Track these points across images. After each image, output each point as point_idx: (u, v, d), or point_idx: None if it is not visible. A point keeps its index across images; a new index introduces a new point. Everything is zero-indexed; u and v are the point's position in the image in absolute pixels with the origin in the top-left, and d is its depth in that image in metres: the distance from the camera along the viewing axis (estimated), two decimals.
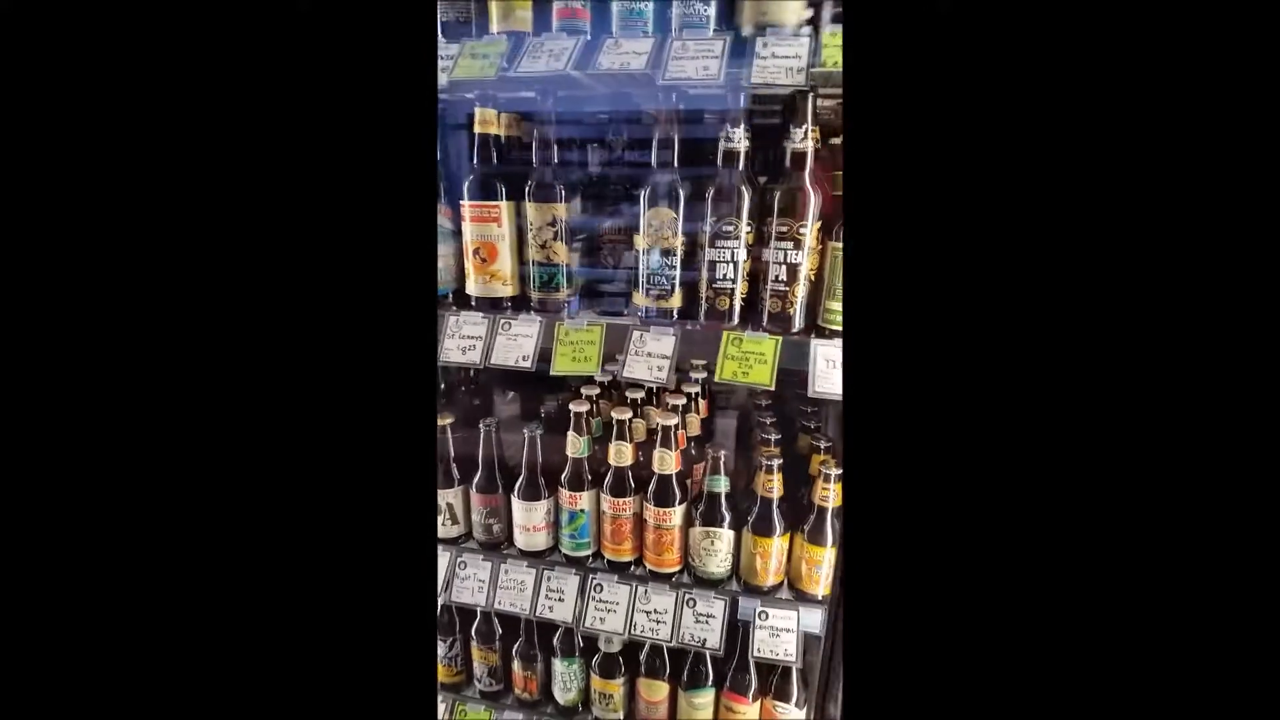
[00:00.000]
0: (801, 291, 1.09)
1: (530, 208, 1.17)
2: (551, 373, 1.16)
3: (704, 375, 1.38)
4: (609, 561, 1.31)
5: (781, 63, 0.93)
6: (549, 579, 1.30)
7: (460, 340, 1.19)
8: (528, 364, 1.15)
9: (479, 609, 1.36)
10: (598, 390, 1.38)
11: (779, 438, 1.29)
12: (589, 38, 1.07)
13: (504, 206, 1.18)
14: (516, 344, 1.16)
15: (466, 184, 1.17)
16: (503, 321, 1.18)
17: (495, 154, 1.18)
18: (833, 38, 0.94)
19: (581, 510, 1.29)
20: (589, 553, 1.33)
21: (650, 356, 1.11)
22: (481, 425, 1.32)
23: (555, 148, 1.16)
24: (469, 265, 1.21)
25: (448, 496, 1.35)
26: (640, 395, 1.31)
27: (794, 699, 1.31)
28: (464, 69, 1.04)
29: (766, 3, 0.99)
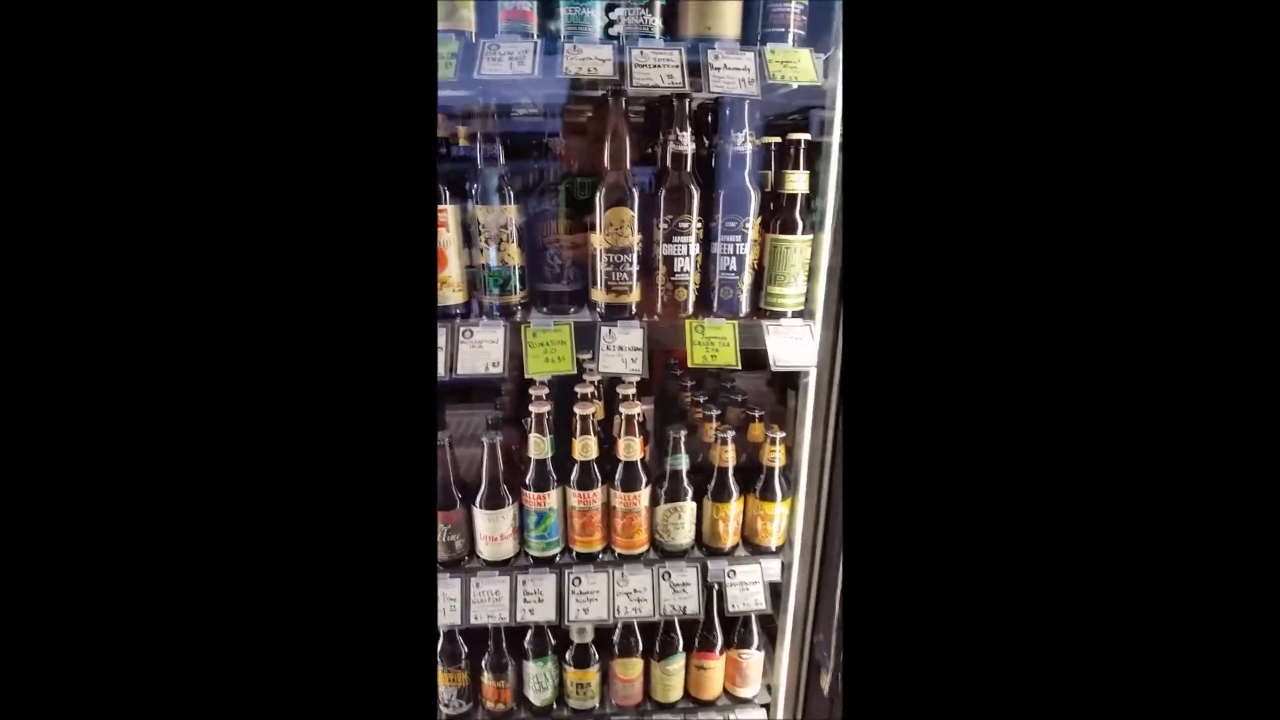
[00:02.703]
0: (748, 279, 1.22)
1: (480, 210, 1.15)
2: (526, 375, 1.16)
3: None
4: (579, 554, 1.34)
5: (734, 74, 1.04)
6: (524, 583, 1.30)
7: None
8: (499, 370, 1.13)
9: (455, 629, 1.31)
10: (547, 390, 1.38)
11: (720, 413, 1.43)
12: (536, 40, 1.07)
13: (450, 210, 1.14)
14: (483, 351, 1.14)
15: None
16: (463, 329, 1.15)
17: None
18: (772, 54, 1.06)
19: (550, 510, 1.30)
20: (558, 550, 1.34)
21: (623, 350, 1.16)
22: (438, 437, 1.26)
23: (502, 149, 1.15)
24: None
25: None
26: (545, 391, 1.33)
27: (754, 644, 1.46)
28: None
29: (710, 16, 1.09)
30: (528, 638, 1.40)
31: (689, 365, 1.18)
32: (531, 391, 1.36)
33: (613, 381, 1.41)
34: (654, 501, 1.33)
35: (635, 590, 1.32)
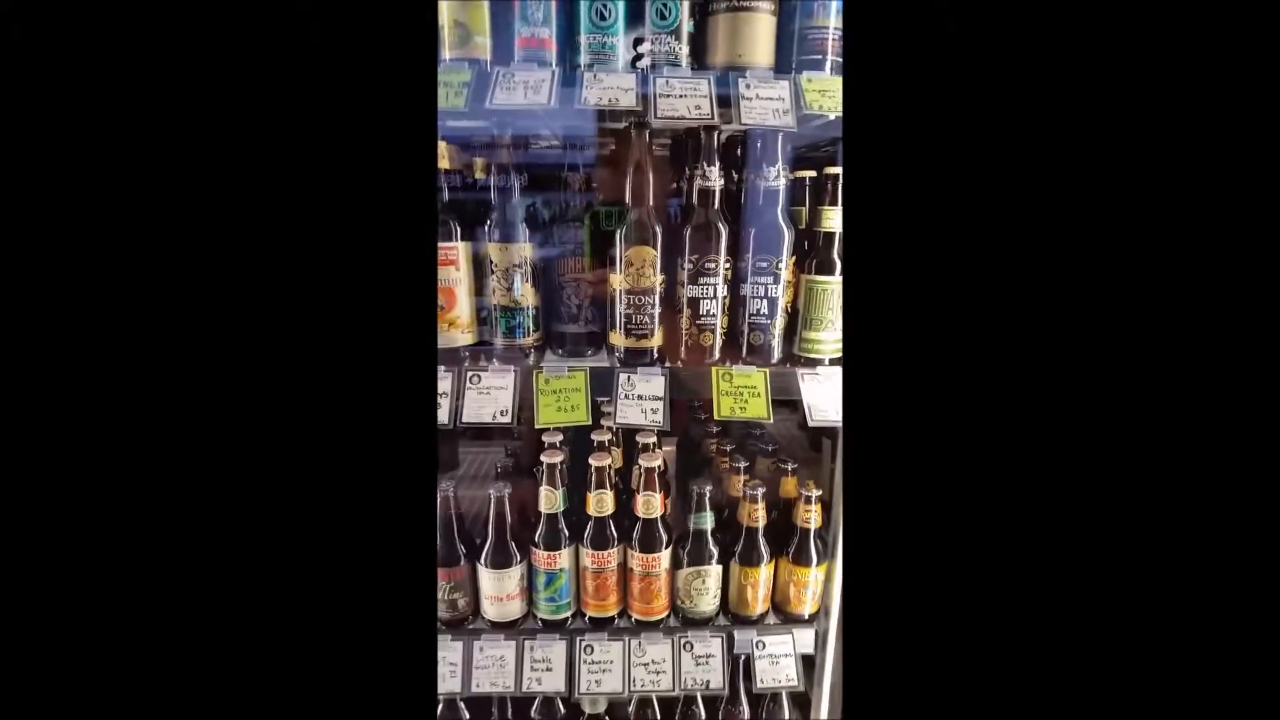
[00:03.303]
0: (780, 324, 1.12)
1: (493, 248, 1.08)
2: (537, 425, 1.07)
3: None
4: (591, 619, 1.23)
5: (768, 104, 0.96)
6: (531, 649, 1.19)
7: None
8: (507, 419, 1.04)
9: (456, 697, 1.20)
10: (560, 437, 1.29)
11: (749, 464, 1.31)
12: (554, 69, 1.01)
13: (461, 247, 1.07)
14: (491, 397, 1.05)
15: None
16: (470, 374, 1.07)
17: (445, 190, 1.07)
18: (809, 83, 0.98)
19: (561, 570, 1.20)
20: (569, 614, 1.23)
21: (642, 399, 1.07)
22: (441, 490, 1.18)
23: (517, 183, 1.08)
24: None
25: None
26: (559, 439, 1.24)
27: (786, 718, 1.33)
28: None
29: (741, 43, 1.01)
30: (535, 707, 1.29)
31: (715, 417, 1.07)
32: (545, 438, 1.27)
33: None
34: (675, 564, 1.22)
35: (654, 661, 1.20)
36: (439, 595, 1.19)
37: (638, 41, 1.03)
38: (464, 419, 1.04)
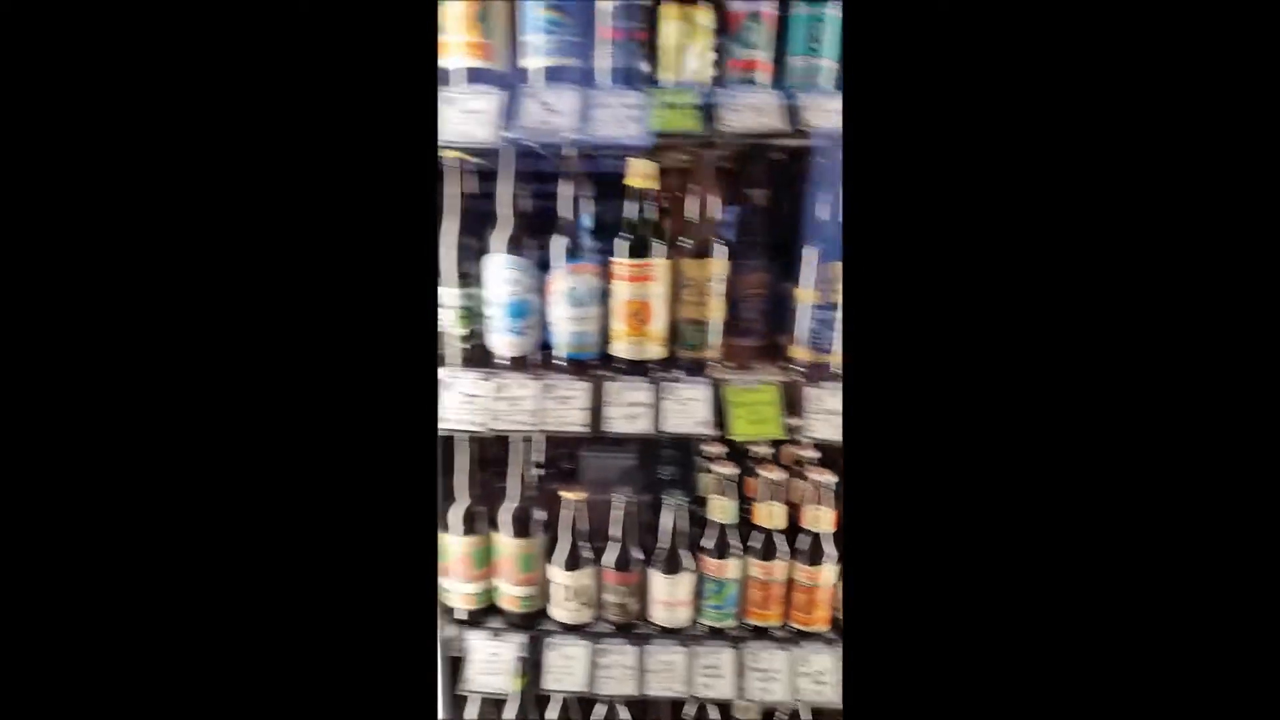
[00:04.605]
0: None
1: (690, 264, 1.11)
2: (729, 437, 1.10)
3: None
4: (754, 628, 1.26)
5: None
6: (700, 655, 1.21)
7: (624, 408, 1.08)
8: (706, 430, 1.08)
9: (629, 698, 1.23)
10: (726, 450, 1.32)
11: None
12: (774, 91, 1.04)
13: (661, 264, 1.10)
14: (686, 408, 1.08)
15: (621, 241, 1.08)
16: (666, 385, 1.10)
17: (648, 208, 1.11)
18: None
19: (730, 579, 1.22)
20: (733, 622, 1.26)
21: (830, 414, 1.09)
22: (614, 497, 1.21)
23: (714, 202, 1.11)
24: (620, 326, 1.11)
25: (582, 578, 1.21)
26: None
27: None
28: (663, 120, 0.97)
29: None
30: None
31: None
32: (711, 450, 1.30)
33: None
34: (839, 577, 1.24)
35: (818, 671, 1.22)
36: (611, 599, 1.23)
37: None
38: (665, 428, 1.08)
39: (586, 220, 1.13)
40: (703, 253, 1.11)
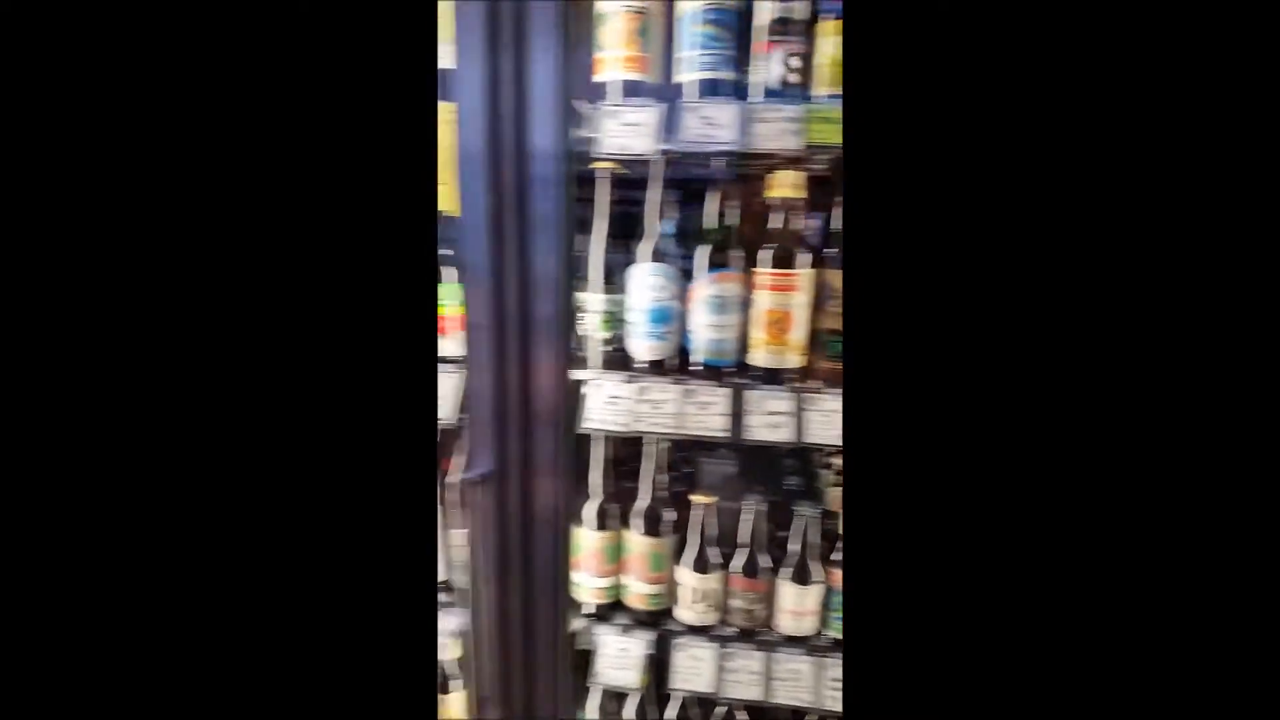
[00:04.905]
0: None
1: (833, 274, 1.11)
2: None
3: None
4: None
5: None
6: (827, 667, 1.21)
7: (764, 417, 1.09)
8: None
9: (749, 703, 1.24)
10: None
11: None
12: None
13: (805, 274, 1.11)
14: (830, 420, 1.09)
15: (765, 250, 1.09)
16: (808, 397, 1.11)
17: (790, 218, 1.12)
18: None
19: None
20: None
21: None
22: (743, 505, 1.23)
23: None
24: (759, 335, 1.12)
25: (710, 582, 1.23)
26: None
27: None
28: (821, 134, 0.98)
29: None
30: None
31: None
32: (833, 462, 1.30)
33: None
34: None
35: None
36: (738, 604, 1.24)
37: None
38: (807, 439, 1.08)
39: (728, 229, 1.15)
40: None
